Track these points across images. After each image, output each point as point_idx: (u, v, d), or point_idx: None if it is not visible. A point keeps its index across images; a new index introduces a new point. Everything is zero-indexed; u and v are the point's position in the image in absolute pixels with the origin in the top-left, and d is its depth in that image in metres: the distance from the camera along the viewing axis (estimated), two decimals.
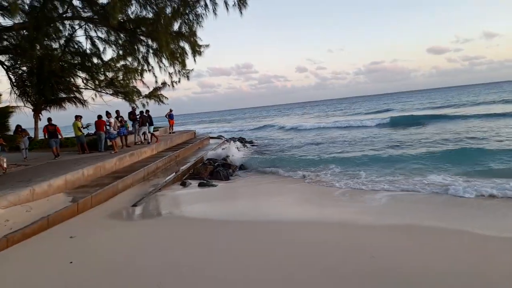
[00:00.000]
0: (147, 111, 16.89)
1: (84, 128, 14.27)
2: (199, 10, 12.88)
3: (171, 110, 22.61)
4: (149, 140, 16.53)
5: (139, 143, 16.37)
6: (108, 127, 13.93)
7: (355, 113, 50.97)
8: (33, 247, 5.69)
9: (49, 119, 12.97)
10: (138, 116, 16.12)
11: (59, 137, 12.96)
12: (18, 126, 13.71)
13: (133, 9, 13.13)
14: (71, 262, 4.94)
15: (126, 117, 15.94)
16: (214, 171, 12.39)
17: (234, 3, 11.92)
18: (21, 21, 12.81)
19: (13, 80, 17.41)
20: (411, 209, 7.17)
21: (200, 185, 10.68)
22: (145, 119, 16.05)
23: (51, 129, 12.81)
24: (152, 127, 16.72)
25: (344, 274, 4.22)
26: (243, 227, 6.50)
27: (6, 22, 13.07)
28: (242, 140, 24.11)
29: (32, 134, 15.91)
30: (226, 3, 11.98)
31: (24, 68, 17.64)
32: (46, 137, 13.48)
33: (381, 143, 18.09)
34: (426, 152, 13.38)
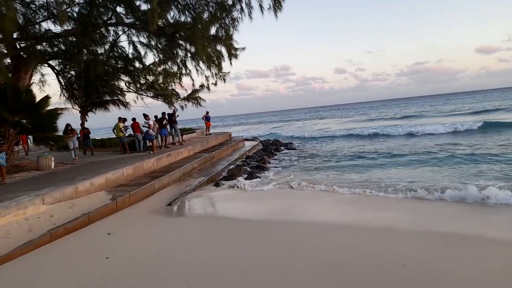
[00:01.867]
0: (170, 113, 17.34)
1: (126, 129, 14.93)
2: (235, 14, 13.09)
3: (207, 112, 23.08)
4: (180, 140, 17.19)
5: (177, 143, 16.90)
6: (146, 129, 14.51)
7: (421, 115, 42.11)
8: (73, 242, 6.04)
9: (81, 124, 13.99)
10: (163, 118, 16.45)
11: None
12: (67, 125, 14.16)
13: (172, 15, 13.60)
14: (107, 258, 5.19)
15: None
16: (248, 173, 12.49)
17: (270, 6, 12.00)
18: (69, 27, 13.66)
19: (63, 84, 18.56)
20: None
21: (232, 186, 10.82)
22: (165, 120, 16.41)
23: (86, 132, 15.18)
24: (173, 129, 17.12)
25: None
26: (264, 227, 6.66)
27: (56, 28, 14.01)
28: (277, 143, 23.89)
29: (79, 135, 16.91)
30: (261, 7, 12.08)
31: (73, 72, 18.76)
32: (81, 138, 15.57)
33: None
34: None
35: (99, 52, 16.44)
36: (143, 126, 14.69)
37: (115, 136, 15.44)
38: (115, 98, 20.05)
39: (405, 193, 8.54)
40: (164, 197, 9.41)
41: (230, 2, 12.61)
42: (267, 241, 5.84)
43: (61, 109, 17.53)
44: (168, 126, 16.60)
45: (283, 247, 5.45)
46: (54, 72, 17.80)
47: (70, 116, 18.17)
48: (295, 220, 7.06)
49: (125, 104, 20.05)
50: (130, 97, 19.58)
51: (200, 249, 5.55)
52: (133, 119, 14.89)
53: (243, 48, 15.28)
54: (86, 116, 19.82)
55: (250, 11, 12.62)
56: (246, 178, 11.96)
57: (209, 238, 6.13)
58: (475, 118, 30.00)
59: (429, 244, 5.26)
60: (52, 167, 11.36)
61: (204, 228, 6.91)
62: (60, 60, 17.12)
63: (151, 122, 14.72)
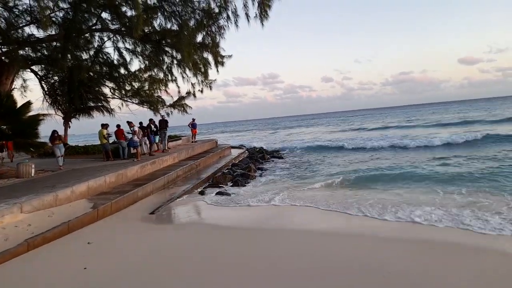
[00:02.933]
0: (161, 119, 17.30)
1: (109, 136, 14.70)
2: (222, 22, 13.14)
3: (193, 120, 23.02)
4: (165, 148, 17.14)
5: (162, 151, 16.76)
6: (130, 135, 14.35)
7: (410, 125, 40.97)
8: (51, 252, 5.87)
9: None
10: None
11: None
12: (54, 132, 13.21)
13: (159, 21, 13.58)
14: (85, 268, 5.05)
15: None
16: (234, 180, 12.44)
17: (256, 15, 12.07)
18: (53, 32, 13.47)
19: (46, 89, 18.28)
20: None
21: (218, 193, 10.75)
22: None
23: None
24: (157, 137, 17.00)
25: None
26: (250, 234, 6.67)
27: (39, 33, 13.79)
28: (263, 151, 23.74)
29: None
30: (247, 15, 12.16)
31: (56, 78, 18.51)
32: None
33: None
34: None
35: (84, 57, 16.27)
36: (128, 133, 14.53)
37: (99, 143, 15.20)
38: (100, 104, 19.82)
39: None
40: (147, 205, 9.27)
41: (216, 11, 12.67)
42: (253, 248, 5.82)
43: (43, 115, 17.25)
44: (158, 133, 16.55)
45: (269, 253, 5.42)
46: (37, 77, 17.53)
47: (53, 122, 17.87)
48: (281, 228, 7.07)
49: (110, 111, 19.83)
50: (114, 103, 19.38)
51: (183, 258, 5.47)
52: (118, 126, 14.74)
53: (230, 56, 15.35)
54: (69, 123, 19.51)
55: (237, 20, 12.70)
56: (232, 186, 11.92)
57: (193, 247, 6.05)
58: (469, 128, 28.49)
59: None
60: (32, 174, 11.07)
61: (188, 236, 6.82)
62: (43, 65, 16.88)
63: (136, 129, 14.57)
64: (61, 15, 13.61)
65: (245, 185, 12.04)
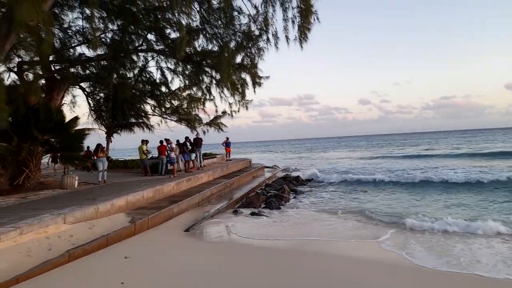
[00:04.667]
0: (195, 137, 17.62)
1: (148, 152, 15.16)
2: (261, 44, 13.35)
3: (227, 138, 23.29)
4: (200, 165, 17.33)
5: (198, 168, 17.02)
6: (169, 152, 14.72)
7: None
8: (90, 264, 6.01)
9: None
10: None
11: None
12: (99, 145, 13.29)
13: (200, 43, 14.03)
14: (122, 283, 5.11)
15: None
16: (267, 201, 12.34)
17: (296, 37, 12.17)
18: (101, 52, 14.30)
19: (91, 105, 19.30)
20: None
21: (251, 214, 10.69)
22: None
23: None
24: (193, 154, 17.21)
25: None
26: (285, 255, 6.47)
27: (89, 52, 14.70)
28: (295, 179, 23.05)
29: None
30: (287, 38, 12.28)
31: (102, 95, 19.53)
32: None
33: None
34: None
35: (128, 76, 17.08)
36: (167, 150, 14.94)
37: (138, 158, 15.70)
38: (140, 121, 20.58)
39: None
40: (182, 222, 9.36)
41: (257, 33, 12.91)
42: (288, 270, 5.68)
43: (88, 129, 18.19)
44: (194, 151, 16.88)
45: (301, 276, 5.25)
46: (85, 94, 18.56)
47: (96, 137, 18.73)
48: (317, 251, 6.87)
49: (150, 127, 20.51)
50: (154, 120, 20.07)
51: (218, 277, 5.42)
52: (161, 142, 15.21)
53: (267, 77, 15.49)
54: (112, 137, 20.37)
55: (277, 42, 12.84)
56: (264, 207, 11.82)
57: (228, 266, 6.00)
58: None
59: None
60: (76, 186, 11.58)
61: (222, 255, 6.79)
62: (90, 83, 17.87)
63: (173, 146, 14.95)
64: (109, 35, 14.47)
65: (279, 207, 11.91)
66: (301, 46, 12.13)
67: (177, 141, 16.26)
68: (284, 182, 17.41)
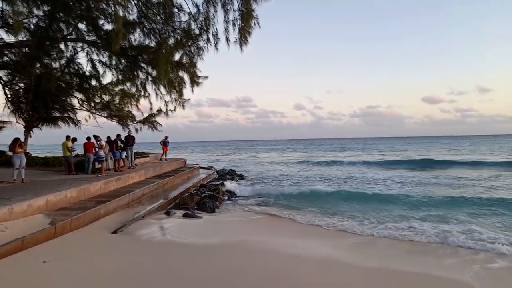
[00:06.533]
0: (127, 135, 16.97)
1: (73, 150, 14.11)
2: (201, 43, 13.20)
3: (166, 137, 22.63)
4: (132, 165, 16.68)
5: (129, 167, 16.29)
6: (97, 149, 13.88)
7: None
8: (3, 270, 5.43)
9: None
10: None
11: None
12: (17, 139, 11.97)
13: (136, 37, 13.45)
14: None
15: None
16: (201, 202, 12.21)
17: (236, 39, 12.24)
18: (24, 39, 13.00)
19: (8, 96, 17.39)
20: None
21: (184, 215, 10.50)
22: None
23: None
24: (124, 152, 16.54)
25: None
26: (215, 253, 6.47)
27: (9, 38, 13.24)
28: (232, 173, 23.96)
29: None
30: (227, 39, 12.31)
31: (21, 85, 17.68)
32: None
33: None
34: None
35: (54, 66, 15.73)
36: (95, 147, 14.05)
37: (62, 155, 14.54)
38: (66, 115, 19.08)
39: None
40: (109, 223, 8.86)
41: (197, 32, 12.74)
42: (219, 267, 5.70)
43: (3, 122, 16.42)
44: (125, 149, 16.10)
45: (234, 273, 5.30)
46: (1, 83, 16.70)
47: (13, 131, 16.98)
48: (248, 248, 7.04)
49: (76, 122, 19.11)
50: (82, 115, 18.70)
51: (146, 280, 5.23)
52: (88, 138, 14.23)
53: (206, 77, 15.37)
54: (31, 132, 18.58)
55: (217, 42, 12.77)
56: (198, 208, 11.70)
57: (158, 269, 5.81)
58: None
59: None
60: None
61: (152, 258, 6.54)
62: (9, 71, 16.12)
63: (103, 143, 14.13)
64: (34, 21, 13.20)
65: (214, 208, 11.87)
66: (241, 49, 12.23)
67: (108, 138, 15.42)
68: (219, 183, 17.41)
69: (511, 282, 5.83)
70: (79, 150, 14.98)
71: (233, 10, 11.98)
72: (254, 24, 11.98)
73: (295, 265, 6.30)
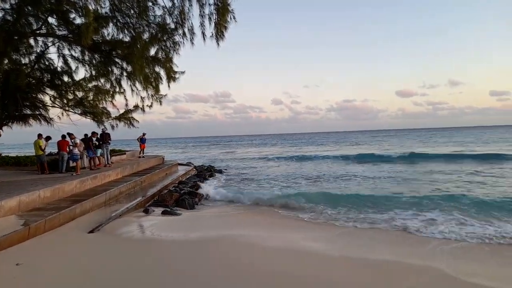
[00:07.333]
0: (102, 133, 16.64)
1: (44, 148, 13.70)
2: (177, 38, 12.99)
3: (144, 134, 22.26)
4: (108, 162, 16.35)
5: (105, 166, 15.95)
6: (71, 147, 13.52)
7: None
8: None
9: None
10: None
11: None
12: None
13: (110, 31, 13.10)
14: None
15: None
16: (180, 199, 12.12)
17: (212, 34, 12.12)
18: None
19: None
20: None
21: (163, 213, 10.40)
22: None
23: None
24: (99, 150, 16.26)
25: None
26: (195, 248, 6.41)
27: None
28: (211, 169, 23.89)
29: None
30: (204, 34, 12.16)
31: None
32: None
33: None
34: None
35: (23, 62, 15.13)
36: (69, 146, 13.67)
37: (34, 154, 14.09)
38: (37, 112, 18.42)
39: None
40: (86, 223, 8.67)
41: (172, 26, 12.52)
42: (200, 262, 5.68)
43: None
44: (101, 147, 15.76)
45: (216, 266, 5.31)
46: None
47: None
48: (228, 241, 7.09)
49: (48, 120, 18.50)
50: (54, 112, 18.09)
51: (126, 280, 5.16)
52: (63, 137, 13.84)
53: (183, 72, 15.15)
54: (1, 131, 17.86)
55: (192, 37, 12.59)
56: (177, 205, 11.61)
57: (136, 268, 5.74)
58: None
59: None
60: None
61: (131, 257, 6.47)
62: None
63: (77, 141, 13.76)
64: (1, 15, 12.63)
65: (193, 205, 11.81)
66: (218, 44, 12.11)
67: (85, 135, 15.06)
68: (198, 179, 17.33)
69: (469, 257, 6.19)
70: (52, 149, 14.57)
71: (209, 4, 11.82)
72: (230, 18, 11.87)
73: (275, 258, 6.37)
